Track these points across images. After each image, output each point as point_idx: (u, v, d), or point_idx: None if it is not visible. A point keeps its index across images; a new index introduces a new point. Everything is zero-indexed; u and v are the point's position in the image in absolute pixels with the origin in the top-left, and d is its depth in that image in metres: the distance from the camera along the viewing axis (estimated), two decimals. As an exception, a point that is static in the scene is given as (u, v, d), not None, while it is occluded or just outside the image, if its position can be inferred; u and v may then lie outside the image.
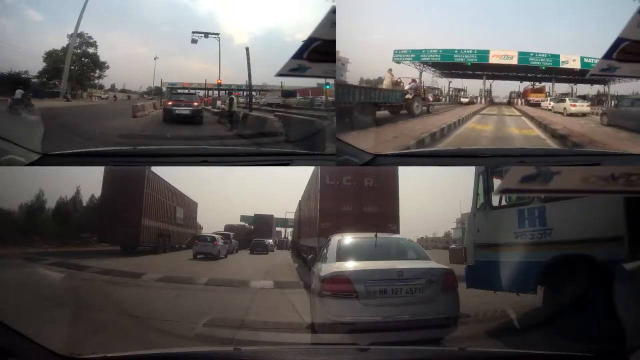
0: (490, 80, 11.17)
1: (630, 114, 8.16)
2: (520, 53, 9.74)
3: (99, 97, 10.67)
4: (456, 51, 10.00)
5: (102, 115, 9.87)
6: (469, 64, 10.00)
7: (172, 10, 10.56)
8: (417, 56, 10.34)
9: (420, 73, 10.71)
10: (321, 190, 12.19)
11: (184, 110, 9.90)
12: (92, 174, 15.58)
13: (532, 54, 9.76)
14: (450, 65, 10.63)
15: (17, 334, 2.69)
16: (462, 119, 9.65)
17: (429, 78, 11.18)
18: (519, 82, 11.25)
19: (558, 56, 9.65)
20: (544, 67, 9.83)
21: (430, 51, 10.23)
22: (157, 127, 9.53)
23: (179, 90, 10.72)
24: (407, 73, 10.26)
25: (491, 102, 11.09)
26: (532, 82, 10.99)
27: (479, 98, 11.27)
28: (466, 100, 11.39)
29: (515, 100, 11.07)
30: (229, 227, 22.31)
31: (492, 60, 9.81)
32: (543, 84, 10.89)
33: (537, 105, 10.55)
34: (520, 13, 9.21)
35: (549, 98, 10.48)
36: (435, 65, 10.91)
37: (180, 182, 19.80)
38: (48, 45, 9.52)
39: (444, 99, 11.28)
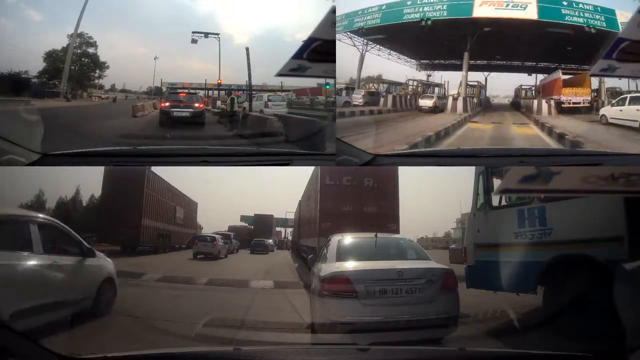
0: (486, 73, 6.86)
1: None
2: (540, 0, 5.55)
3: (99, 97, 10.68)
4: (409, 2, 6.02)
5: (102, 116, 9.88)
6: (429, 21, 5.89)
7: (172, 10, 10.61)
8: (350, 23, 6.54)
9: (362, 56, 6.61)
10: (321, 190, 12.19)
11: (183, 112, 9.48)
12: (92, 174, 15.67)
13: (565, 2, 5.43)
14: (400, 31, 6.29)
15: (17, 334, 2.69)
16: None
17: (404, 71, 7.24)
18: (525, 72, 6.86)
19: (613, 12, 5.52)
20: (592, 30, 5.54)
21: (369, 11, 6.28)
22: (157, 126, 9.51)
23: (178, 90, 10.59)
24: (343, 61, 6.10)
25: (484, 106, 7.26)
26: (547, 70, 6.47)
27: (450, 100, 6.55)
28: (429, 103, 7.02)
29: (532, 102, 6.64)
30: (232, 228, 22.54)
31: (481, 11, 5.57)
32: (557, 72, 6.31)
33: (574, 110, 6.08)
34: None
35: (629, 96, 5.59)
36: (372, 34, 6.53)
37: (180, 182, 19.94)
38: (48, 45, 9.57)
39: (388, 100, 7.35)
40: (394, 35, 6.36)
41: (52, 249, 5.29)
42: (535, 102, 6.36)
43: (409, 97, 7.07)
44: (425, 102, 7.01)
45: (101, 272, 6.27)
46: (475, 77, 7.40)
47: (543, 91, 6.66)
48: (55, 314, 4.95)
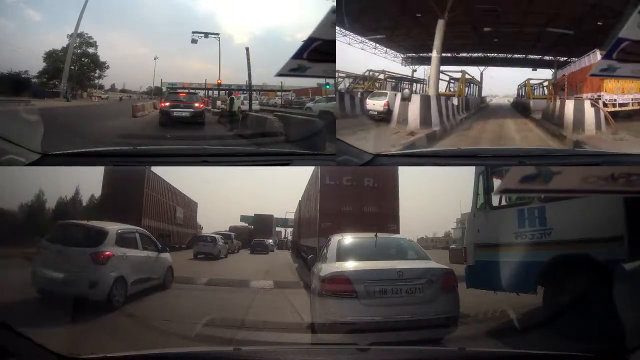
0: (482, 67, 5.07)
1: None
2: None
3: (99, 97, 10.67)
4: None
5: (102, 116, 9.88)
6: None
7: (172, 10, 10.57)
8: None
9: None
10: (321, 190, 12.17)
11: (183, 112, 9.46)
12: (92, 174, 15.64)
13: None
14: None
15: (17, 334, 2.69)
16: None
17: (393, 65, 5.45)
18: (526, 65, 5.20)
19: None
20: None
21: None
22: (158, 126, 9.50)
23: (178, 90, 10.58)
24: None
25: (474, 111, 5.60)
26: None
27: (397, 102, 4.38)
28: (379, 105, 4.67)
29: (554, 104, 4.64)
30: (232, 228, 22.45)
31: None
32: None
33: (613, 115, 4.05)
34: None
35: None
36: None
37: (180, 182, 19.84)
38: (48, 45, 9.55)
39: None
40: (352, 5, 4.60)
41: (145, 247, 8.43)
42: (568, 104, 4.05)
43: (359, 95, 4.99)
44: (374, 104, 4.65)
45: (167, 262, 9.28)
46: (471, 73, 5.87)
47: (569, 87, 4.64)
48: (143, 286, 7.88)
